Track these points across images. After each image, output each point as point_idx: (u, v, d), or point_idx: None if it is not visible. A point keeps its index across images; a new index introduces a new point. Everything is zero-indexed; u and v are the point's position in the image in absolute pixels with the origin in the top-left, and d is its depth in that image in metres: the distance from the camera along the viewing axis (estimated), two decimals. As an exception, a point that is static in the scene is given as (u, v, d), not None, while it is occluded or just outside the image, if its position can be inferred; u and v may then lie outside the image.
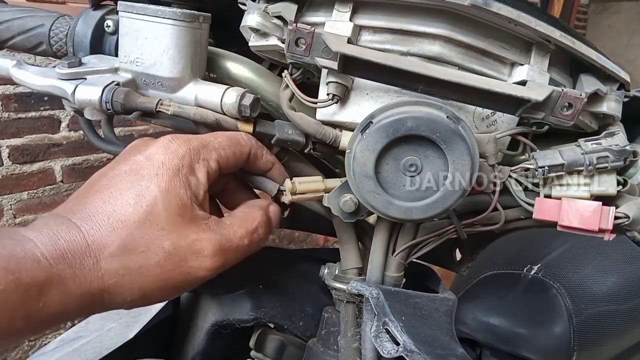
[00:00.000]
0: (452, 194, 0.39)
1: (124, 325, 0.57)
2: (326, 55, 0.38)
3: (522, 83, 0.39)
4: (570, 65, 0.44)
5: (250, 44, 0.44)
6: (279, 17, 0.41)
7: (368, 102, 0.41)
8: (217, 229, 0.38)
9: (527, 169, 0.41)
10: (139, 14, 0.42)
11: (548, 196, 0.41)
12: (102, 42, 0.48)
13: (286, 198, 0.43)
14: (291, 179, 0.44)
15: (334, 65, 0.38)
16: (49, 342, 0.59)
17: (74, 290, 0.33)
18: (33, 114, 1.57)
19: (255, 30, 0.43)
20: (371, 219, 0.49)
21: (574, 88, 0.43)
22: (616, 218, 0.39)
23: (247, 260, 0.60)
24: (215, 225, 0.38)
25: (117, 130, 0.45)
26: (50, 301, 0.32)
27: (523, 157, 0.44)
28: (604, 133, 0.41)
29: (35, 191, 1.63)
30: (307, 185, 0.44)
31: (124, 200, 0.35)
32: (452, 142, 0.37)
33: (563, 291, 0.79)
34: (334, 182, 0.44)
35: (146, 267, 0.35)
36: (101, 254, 0.34)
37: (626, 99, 0.42)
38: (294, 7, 0.41)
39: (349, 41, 0.39)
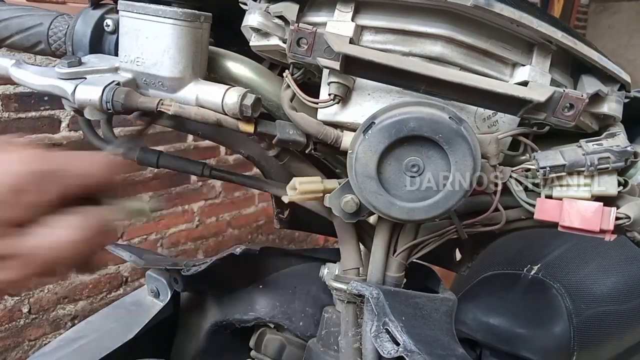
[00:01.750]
0: (454, 195, 0.39)
1: (124, 325, 0.57)
2: (328, 55, 0.38)
3: (524, 84, 0.39)
4: (572, 66, 0.44)
5: (251, 43, 0.44)
6: (281, 17, 0.41)
7: (370, 102, 0.41)
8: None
9: (528, 170, 0.41)
10: (139, 13, 0.42)
11: (549, 197, 0.41)
12: (101, 41, 0.48)
13: (286, 197, 0.43)
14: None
15: (336, 65, 0.38)
16: (49, 342, 0.59)
17: None
18: (33, 114, 1.56)
19: (256, 30, 0.43)
20: (372, 219, 0.49)
21: (575, 89, 0.43)
22: (617, 219, 0.39)
23: (247, 260, 0.61)
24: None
25: (116, 130, 0.45)
26: None
27: (524, 157, 0.44)
28: (605, 134, 0.41)
29: (34, 190, 1.62)
30: (306, 185, 0.44)
31: None
32: (454, 142, 0.37)
33: (563, 291, 0.79)
34: (333, 183, 0.44)
35: None
36: None
37: (627, 100, 0.42)
38: (295, 7, 0.41)
39: (351, 41, 0.38)
